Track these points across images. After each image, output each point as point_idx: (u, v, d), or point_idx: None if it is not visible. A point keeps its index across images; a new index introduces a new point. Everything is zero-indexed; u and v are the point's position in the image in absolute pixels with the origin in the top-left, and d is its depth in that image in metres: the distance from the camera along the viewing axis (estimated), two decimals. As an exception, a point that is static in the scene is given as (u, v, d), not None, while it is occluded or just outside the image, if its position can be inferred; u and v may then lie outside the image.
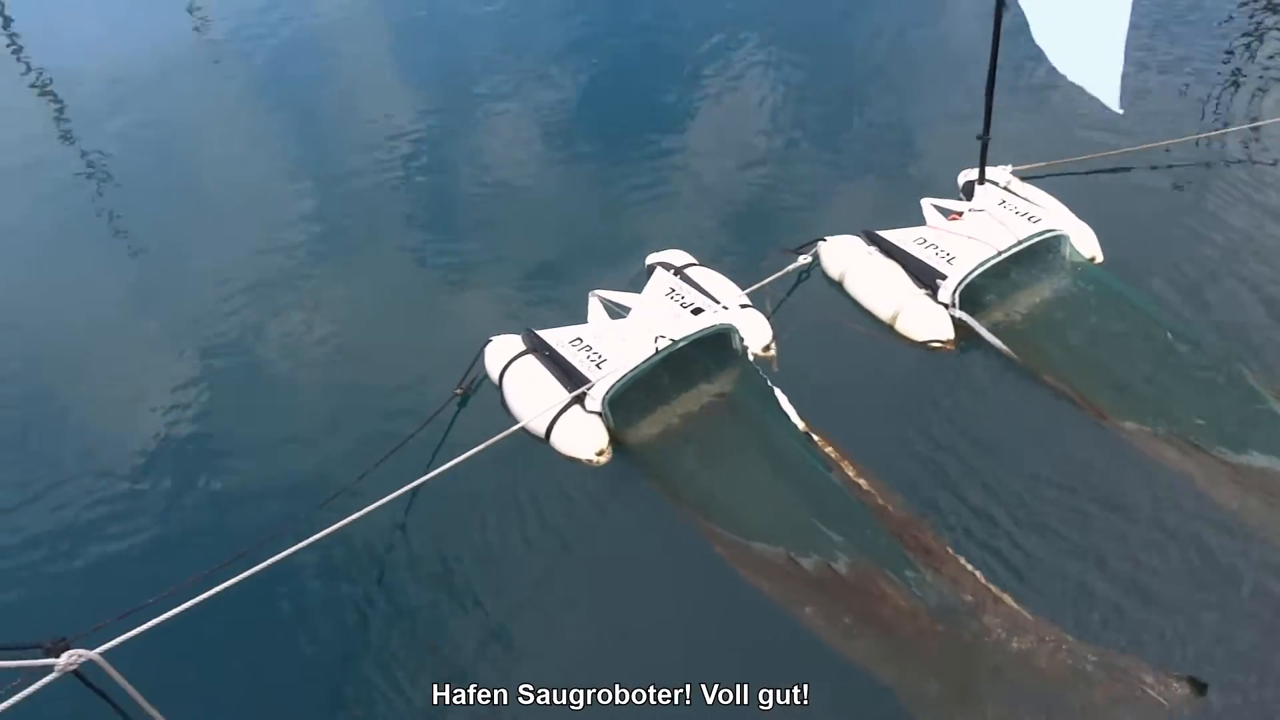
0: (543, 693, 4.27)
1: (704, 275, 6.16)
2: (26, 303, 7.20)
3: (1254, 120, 7.34)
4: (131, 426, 5.91)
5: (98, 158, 8.87)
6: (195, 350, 6.48)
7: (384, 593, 4.80)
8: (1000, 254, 5.91)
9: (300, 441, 5.70)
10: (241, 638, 4.63)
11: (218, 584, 3.89)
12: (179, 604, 3.79)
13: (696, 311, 5.81)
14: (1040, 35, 5.53)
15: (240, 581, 3.94)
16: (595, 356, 5.60)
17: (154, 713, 3.61)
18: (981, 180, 6.59)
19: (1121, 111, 5.32)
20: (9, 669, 3.35)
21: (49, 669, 3.42)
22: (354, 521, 4.37)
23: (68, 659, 3.46)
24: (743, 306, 5.94)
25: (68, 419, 6.10)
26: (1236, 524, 4.59)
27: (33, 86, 10.34)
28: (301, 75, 10.06)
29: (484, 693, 4.30)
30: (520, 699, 4.26)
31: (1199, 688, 3.94)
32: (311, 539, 4.26)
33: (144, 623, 3.68)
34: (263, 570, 4.03)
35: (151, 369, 6.38)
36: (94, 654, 3.50)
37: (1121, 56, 5.12)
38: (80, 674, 3.49)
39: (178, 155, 8.85)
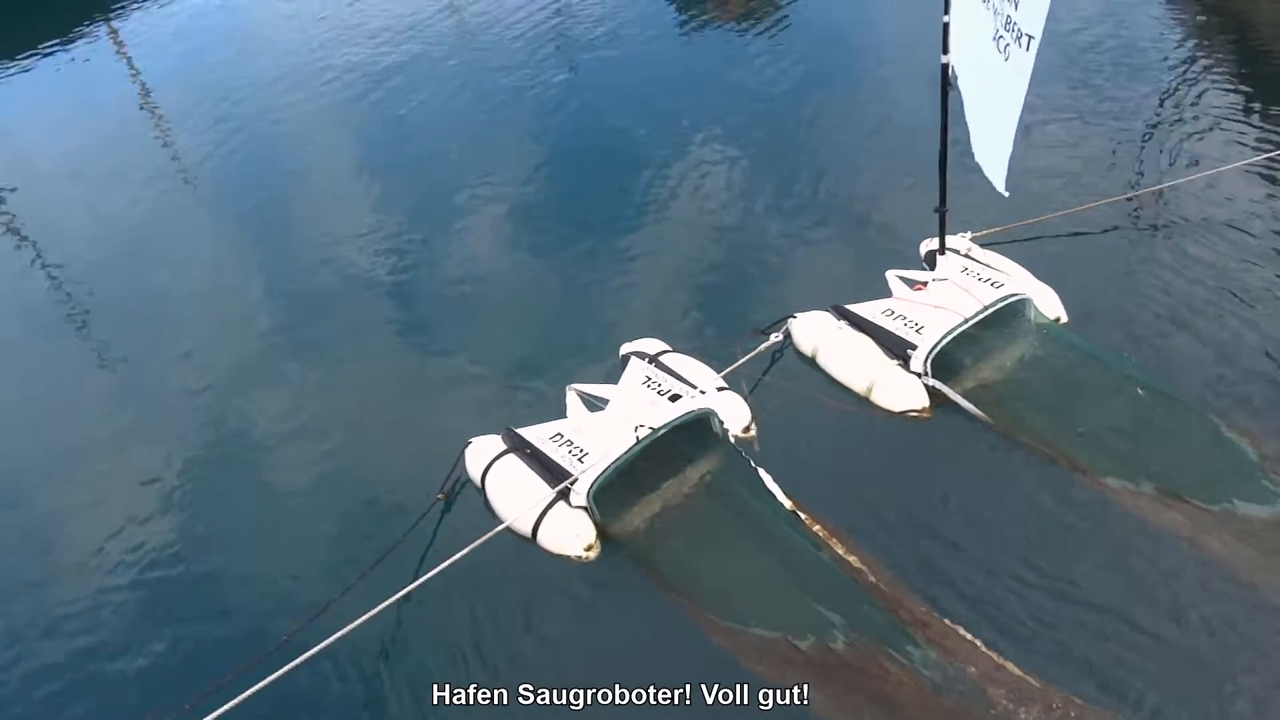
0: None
1: (679, 361, 6.21)
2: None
3: (1205, 168, 7.56)
4: (100, 549, 5.81)
5: (67, 264, 8.91)
6: (166, 464, 6.41)
7: (377, 707, 4.64)
8: (967, 320, 6.02)
9: (280, 560, 5.61)
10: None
11: (208, 713, 3.78)
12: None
13: (674, 398, 5.84)
14: (969, 116, 5.81)
15: (230, 710, 3.82)
16: (577, 451, 5.58)
17: None
18: (942, 250, 6.75)
19: (1007, 194, 5.67)
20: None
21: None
22: (343, 637, 4.27)
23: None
24: (720, 389, 5.98)
25: (38, 531, 5.99)
26: (1229, 572, 4.58)
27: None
28: (270, 178, 10.19)
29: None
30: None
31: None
32: (297, 661, 4.16)
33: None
34: (253, 695, 3.91)
35: (121, 485, 6.30)
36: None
37: (1010, 143, 5.44)
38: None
39: (147, 259, 8.91)
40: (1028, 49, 4.92)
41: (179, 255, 8.95)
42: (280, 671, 4.07)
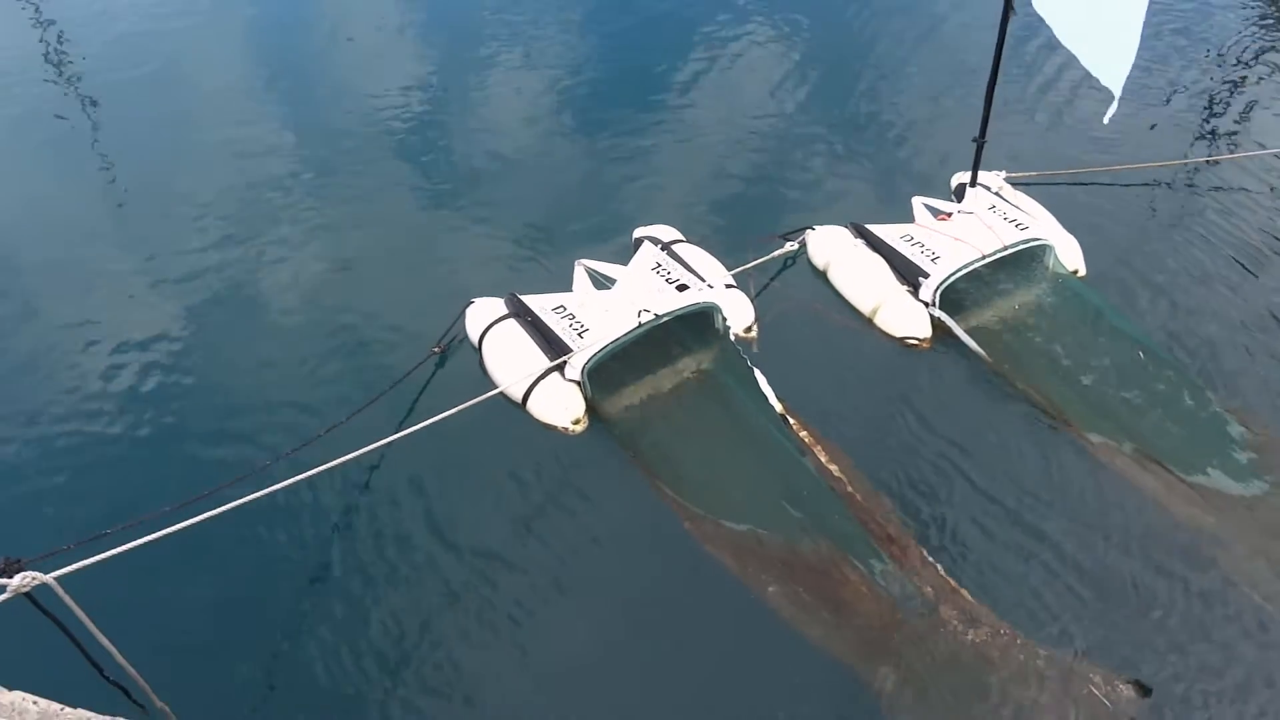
0: (498, 657, 4.28)
1: (691, 252, 6.16)
2: (6, 231, 7.01)
3: (1248, 148, 7.44)
4: (106, 357, 5.80)
5: (91, 94, 8.64)
6: (173, 288, 6.36)
7: (346, 546, 4.75)
8: (984, 257, 5.97)
9: (275, 387, 5.63)
10: (196, 576, 4.57)
11: (178, 521, 3.84)
12: (138, 537, 3.74)
13: (681, 288, 5.81)
14: (1061, 34, 5.51)
15: (201, 521, 3.89)
16: (577, 325, 5.58)
17: (104, 640, 3.57)
18: (973, 183, 6.64)
19: (1106, 122, 5.31)
20: (-42, 588, 3.30)
21: (1, 589, 3.37)
22: (322, 472, 4.33)
23: (21, 580, 3.41)
24: (727, 286, 5.95)
25: (43, 342, 5.97)
26: (1190, 540, 4.69)
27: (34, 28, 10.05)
28: (301, 28, 9.87)
29: (438, 651, 4.30)
30: (474, 663, 4.27)
31: (1144, 690, 4.04)
32: (277, 486, 4.22)
33: (101, 552, 3.63)
34: (225, 512, 3.98)
35: (130, 302, 6.26)
36: (48, 578, 3.45)
37: (1128, 63, 5.11)
38: (32, 596, 3.45)
39: (172, 96, 8.65)
40: None
41: (206, 87, 8.70)
42: (260, 492, 4.12)
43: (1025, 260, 6.13)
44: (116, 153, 7.87)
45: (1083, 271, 6.23)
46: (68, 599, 3.44)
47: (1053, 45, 8.43)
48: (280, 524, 4.81)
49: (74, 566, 3.52)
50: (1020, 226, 6.25)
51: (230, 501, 4.02)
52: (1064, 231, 6.35)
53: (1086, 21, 5.37)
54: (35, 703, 2.46)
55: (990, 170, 6.74)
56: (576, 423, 5.27)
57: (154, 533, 3.76)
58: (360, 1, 10.24)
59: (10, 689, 2.53)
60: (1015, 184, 6.78)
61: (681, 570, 4.63)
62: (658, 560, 4.71)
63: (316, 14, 10.11)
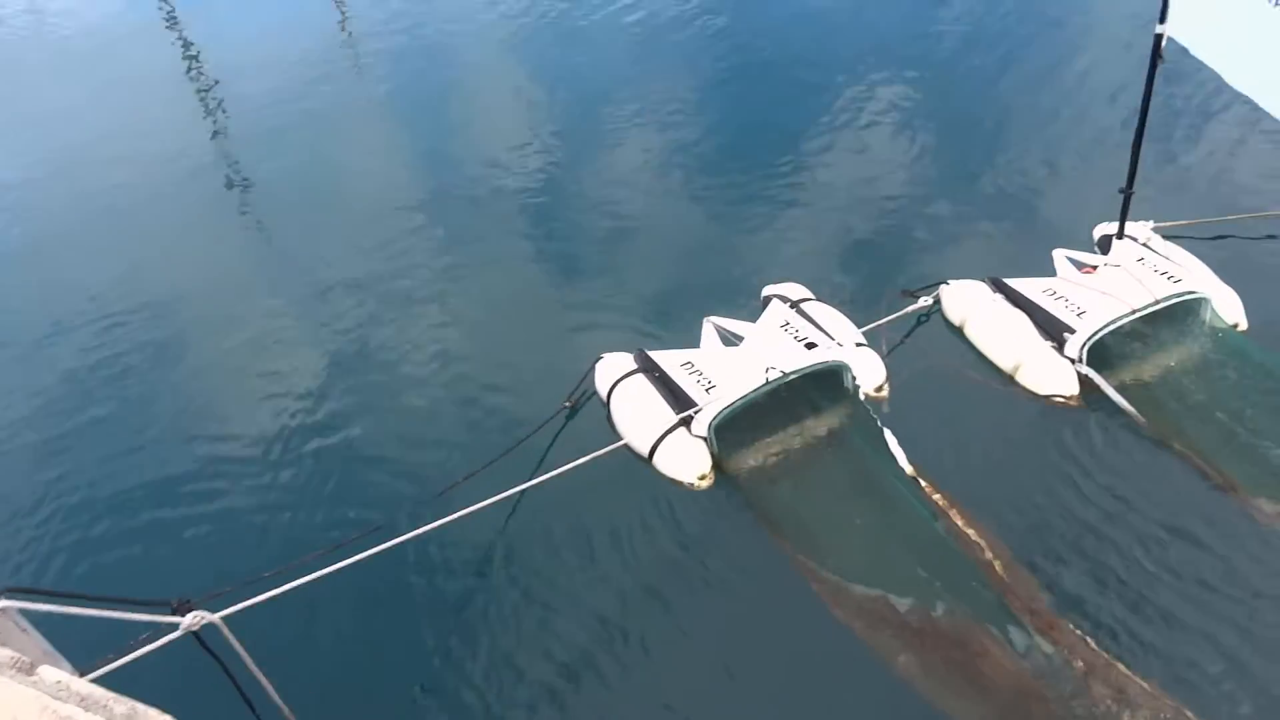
0: (625, 711, 4.30)
1: (820, 310, 6.13)
2: (171, 286, 7.70)
3: None
4: (263, 412, 6.25)
5: (239, 157, 9.49)
6: (323, 343, 6.83)
7: (484, 591, 4.91)
8: (1135, 312, 5.68)
9: (417, 436, 5.93)
10: (346, 617, 4.82)
11: (332, 563, 4.09)
12: (295, 578, 4.00)
13: (810, 346, 5.78)
14: (1236, 81, 5.29)
15: (352, 564, 4.12)
16: (705, 381, 5.63)
17: (261, 678, 3.80)
18: (1120, 235, 6.35)
19: None
20: (139, 623, 3.59)
21: (174, 627, 3.65)
22: (461, 518, 4.52)
23: (191, 619, 3.68)
24: (858, 345, 5.88)
25: (209, 394, 6.50)
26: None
27: (192, 82, 11.14)
28: (437, 87, 10.51)
29: (571, 699, 4.35)
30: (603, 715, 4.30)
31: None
32: (420, 530, 4.44)
33: (262, 593, 3.89)
34: (374, 555, 4.20)
35: (280, 356, 6.75)
36: (215, 617, 3.71)
37: None
38: (199, 636, 3.71)
39: (316, 159, 9.37)
40: None
41: (342, 158, 9.37)
42: (404, 536, 4.34)
43: (1180, 314, 5.80)
44: (265, 214, 8.58)
45: (1244, 325, 5.83)
46: (232, 638, 3.69)
47: (1196, 89, 8.06)
48: (422, 568, 5.03)
49: (238, 607, 3.78)
50: (1172, 279, 5.92)
51: (378, 545, 4.25)
52: (1221, 283, 5.97)
53: (1258, 60, 5.10)
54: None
55: (1137, 220, 6.43)
56: (703, 478, 5.29)
57: (310, 574, 4.02)
58: (486, 69, 10.83)
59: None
60: (1165, 234, 6.44)
61: (809, 632, 4.55)
62: (784, 620, 4.63)
63: (445, 82, 10.70)
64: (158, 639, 3.61)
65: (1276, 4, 4.73)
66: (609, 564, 4.97)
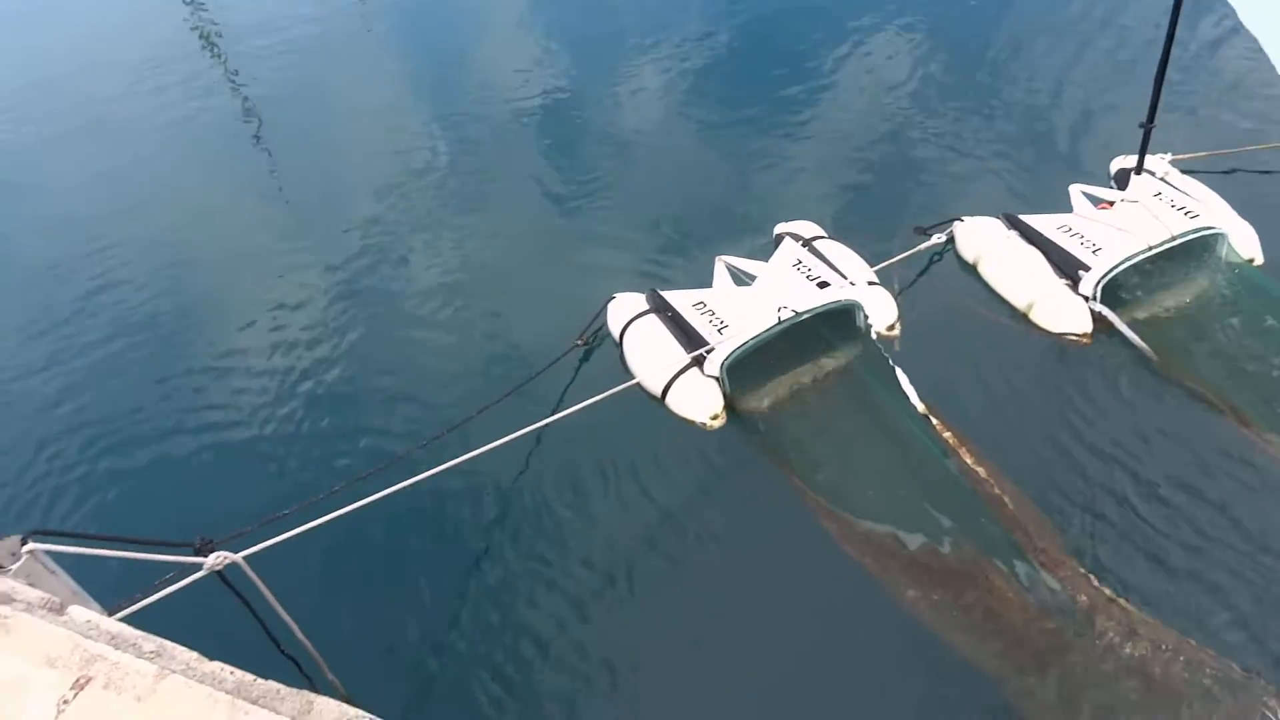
0: (639, 645, 4.40)
1: (832, 249, 6.08)
2: (186, 232, 7.70)
3: None
4: (278, 348, 6.31)
5: (251, 97, 9.38)
6: (338, 279, 6.85)
7: (499, 528, 5.00)
8: (1151, 248, 5.62)
9: (429, 375, 5.98)
10: (364, 555, 4.92)
11: (348, 503, 4.15)
12: (314, 518, 4.07)
13: (822, 285, 5.75)
14: (1252, 24, 5.18)
15: (368, 503, 4.18)
16: (717, 321, 5.63)
17: (285, 615, 3.89)
18: (1139, 170, 6.24)
19: None
20: (163, 563, 3.67)
21: (198, 567, 3.73)
22: (475, 457, 4.56)
23: (215, 559, 3.75)
24: (870, 283, 5.85)
25: (216, 333, 6.55)
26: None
27: (200, 38, 10.97)
28: (449, 28, 10.31)
29: (586, 635, 4.46)
30: (619, 651, 4.40)
31: (1328, 720, 3.74)
32: (434, 470, 4.49)
33: (282, 533, 3.96)
34: (390, 494, 4.26)
35: (296, 294, 6.77)
36: (237, 557, 3.79)
37: None
38: (222, 575, 3.80)
39: (324, 96, 9.27)
40: None
41: (354, 96, 9.25)
42: (418, 477, 4.39)
43: (1197, 250, 5.74)
44: (274, 161, 8.51)
45: (1260, 260, 5.76)
46: (254, 576, 3.78)
47: (1216, 20, 7.83)
48: (437, 506, 5.11)
49: (259, 547, 3.86)
50: (1190, 214, 5.84)
51: (394, 484, 4.31)
52: (1238, 217, 5.89)
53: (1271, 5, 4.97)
54: (232, 673, 2.73)
55: (1154, 154, 6.32)
56: (715, 418, 5.32)
57: (330, 513, 4.08)
58: (494, 11, 10.60)
59: (210, 659, 2.82)
60: (1181, 168, 6.33)
61: (819, 569, 4.61)
62: (796, 557, 4.70)
63: (451, 15, 10.49)
64: (182, 579, 3.69)
65: None
66: (624, 502, 5.03)
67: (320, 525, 4.03)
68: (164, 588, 3.68)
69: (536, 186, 7.55)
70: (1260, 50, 7.41)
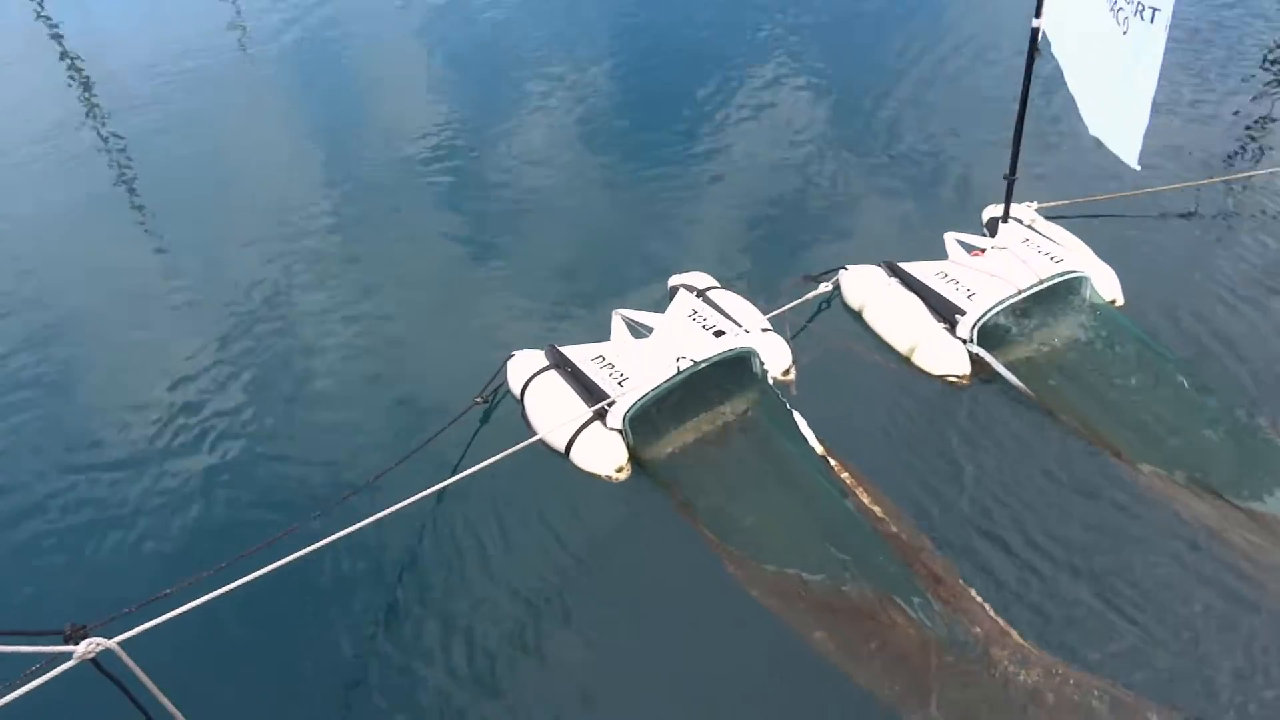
0: (549, 703, 4.31)
1: (726, 298, 6.23)
2: (52, 285, 7.33)
3: (1280, 166, 7.36)
4: (154, 415, 6.00)
5: (129, 150, 9.07)
6: (218, 342, 6.59)
7: (397, 597, 4.84)
8: (1021, 292, 5.95)
9: (320, 439, 5.78)
10: (254, 631, 4.67)
11: (234, 579, 3.93)
12: (196, 597, 3.84)
13: (718, 334, 5.87)
14: (1073, 84, 5.65)
15: (256, 578, 3.98)
16: (617, 374, 5.66)
17: (167, 703, 3.65)
18: (1005, 218, 6.64)
19: (1139, 168, 5.48)
20: (29, 654, 3.41)
21: (67, 656, 3.47)
22: (371, 523, 4.42)
23: (86, 647, 3.49)
24: (763, 330, 6.00)
25: (88, 402, 6.20)
26: (1248, 569, 4.58)
27: (68, 72, 10.59)
28: (333, 78, 10.24)
29: (492, 699, 4.33)
30: (526, 709, 4.30)
31: (1206, 730, 3.94)
32: (328, 539, 4.30)
33: (161, 614, 3.73)
34: (281, 567, 4.08)
35: (176, 358, 6.48)
36: (112, 643, 3.53)
37: (1146, 117, 5.24)
38: (97, 662, 3.55)
39: (208, 151, 9.04)
40: (1151, 21, 4.79)
41: (237, 150, 9.06)
42: (311, 547, 4.21)
43: (1062, 292, 6.11)
44: (157, 210, 8.20)
45: (1120, 301, 6.18)
46: (130, 663, 3.54)
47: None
48: (331, 577, 4.90)
49: (136, 630, 3.62)
50: (1055, 259, 6.24)
51: (285, 556, 4.11)
52: (1099, 261, 6.32)
53: (1099, 82, 5.47)
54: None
55: (1021, 202, 6.75)
56: (619, 470, 5.32)
57: (211, 591, 3.86)
58: (383, 53, 10.62)
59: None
60: (1047, 215, 6.77)
61: (726, 614, 4.63)
62: (702, 604, 4.70)
63: (339, 65, 10.46)
64: (51, 669, 3.43)
65: (1122, 25, 5.01)
66: (529, 559, 4.95)
67: (205, 604, 3.82)
68: (32, 679, 3.41)
69: (429, 245, 7.50)
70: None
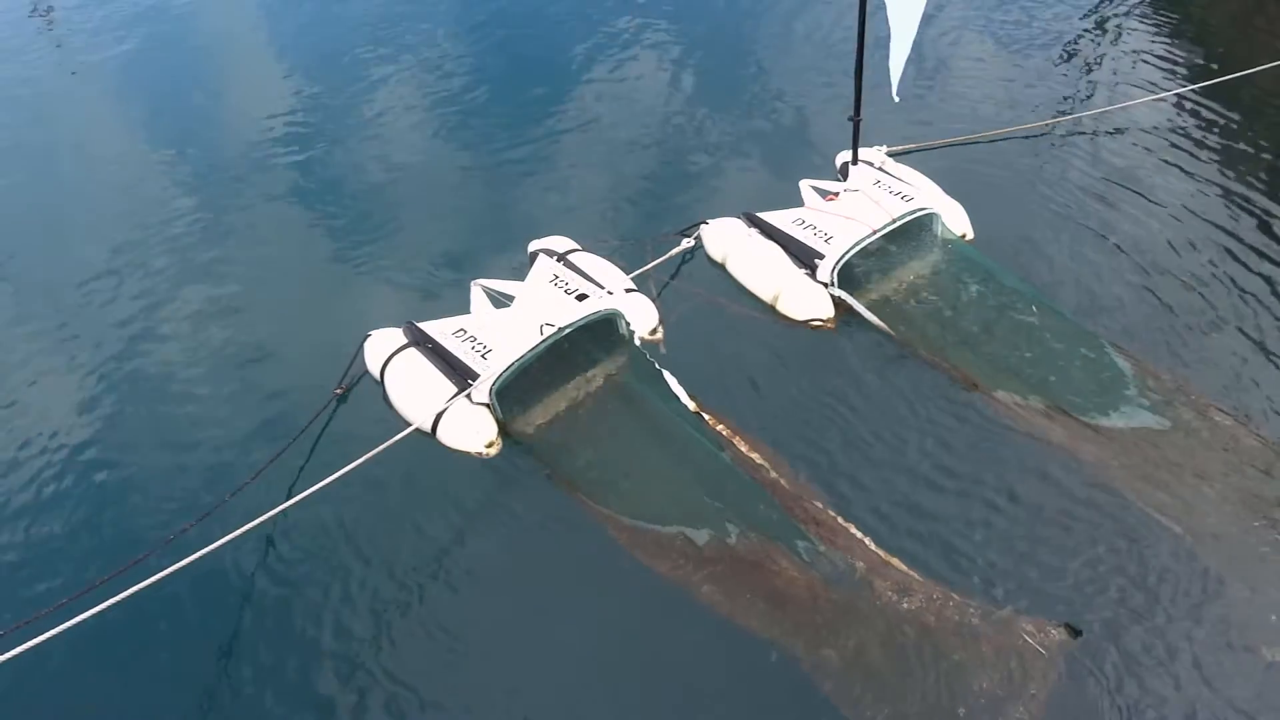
0: (441, 682, 4.15)
1: (587, 260, 6.10)
2: None
3: (1123, 99, 7.74)
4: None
5: None
6: (63, 357, 6.08)
7: (270, 610, 4.54)
8: (875, 232, 6.06)
9: (172, 451, 5.38)
10: (110, 664, 4.30)
11: (82, 611, 3.62)
12: (48, 629, 3.53)
13: (581, 298, 5.74)
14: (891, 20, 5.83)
15: (112, 606, 3.67)
16: (480, 347, 5.46)
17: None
18: (855, 161, 6.75)
19: (899, 100, 5.98)
20: None
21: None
22: (231, 540, 4.13)
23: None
24: (628, 291, 5.91)
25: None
26: (1099, 481, 4.83)
27: None
28: (172, 60, 9.58)
29: (376, 692, 4.13)
30: (413, 691, 4.12)
31: (1074, 633, 4.13)
32: (185, 561, 4.03)
33: (11, 649, 3.41)
34: (134, 594, 3.76)
35: (15, 372, 5.97)
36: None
37: (905, 51, 5.74)
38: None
39: (45, 150, 8.32)
40: None
41: (78, 146, 8.38)
42: (163, 573, 3.90)
43: (915, 230, 6.26)
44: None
45: (970, 235, 6.39)
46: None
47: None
48: (193, 597, 4.55)
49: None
50: (906, 198, 6.38)
51: (138, 583, 3.80)
52: (948, 198, 6.50)
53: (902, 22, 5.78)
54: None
55: (872, 146, 6.87)
56: (490, 445, 5.15)
57: (63, 623, 3.54)
58: (232, 29, 10.01)
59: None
60: (896, 157, 6.93)
61: (612, 579, 4.56)
62: (590, 571, 4.62)
63: (184, 43, 9.80)
64: None
65: None
66: (407, 545, 4.74)
67: (55, 636, 3.49)
68: None
69: (281, 233, 7.08)
70: (960, 42, 8.37)
